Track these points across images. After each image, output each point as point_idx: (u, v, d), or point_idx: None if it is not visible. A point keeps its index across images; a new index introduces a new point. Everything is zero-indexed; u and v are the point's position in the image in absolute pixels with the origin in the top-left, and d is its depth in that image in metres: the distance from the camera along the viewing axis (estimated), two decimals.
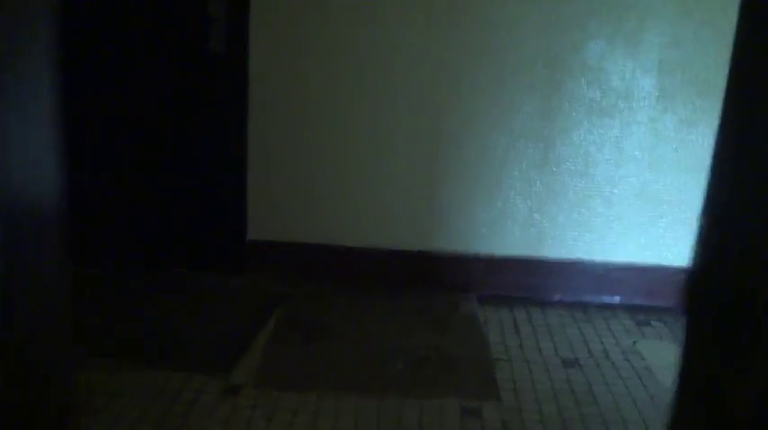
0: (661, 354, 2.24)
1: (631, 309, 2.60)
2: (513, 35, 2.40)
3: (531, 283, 2.61)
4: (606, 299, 2.62)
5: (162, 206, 2.65)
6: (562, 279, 2.61)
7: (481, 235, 2.58)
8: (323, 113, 2.51)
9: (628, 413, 1.92)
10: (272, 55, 2.47)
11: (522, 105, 2.46)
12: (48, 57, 0.79)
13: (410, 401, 1.88)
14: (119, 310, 2.31)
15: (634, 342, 2.34)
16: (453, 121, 2.48)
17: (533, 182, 2.53)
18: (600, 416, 1.89)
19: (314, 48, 2.46)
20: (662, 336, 2.41)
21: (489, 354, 2.17)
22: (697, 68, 2.41)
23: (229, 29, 2.47)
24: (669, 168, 2.49)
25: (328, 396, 1.88)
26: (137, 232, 2.66)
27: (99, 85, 2.54)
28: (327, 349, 2.13)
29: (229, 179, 2.61)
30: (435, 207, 2.56)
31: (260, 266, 2.63)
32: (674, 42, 2.39)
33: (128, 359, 1.99)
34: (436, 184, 2.54)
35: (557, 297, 2.62)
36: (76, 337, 0.98)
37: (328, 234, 2.60)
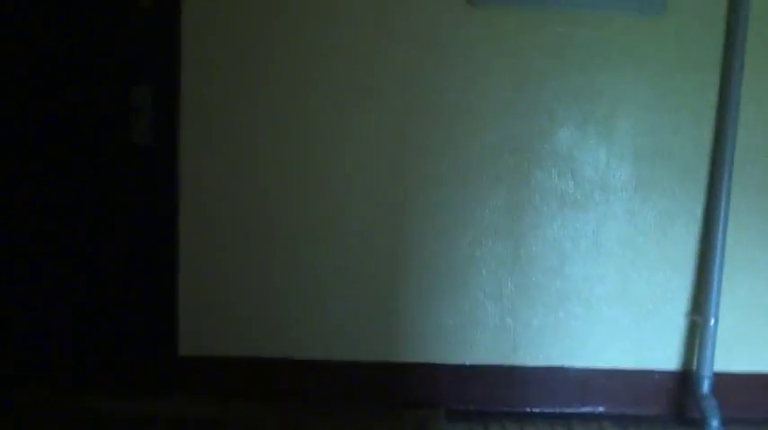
0: None
1: (619, 420, 2.31)
2: (476, 121, 2.17)
3: (506, 395, 2.31)
4: (590, 409, 2.32)
5: (75, 317, 2.29)
6: (540, 389, 2.31)
7: (448, 343, 2.27)
8: (265, 212, 2.21)
9: None
10: (206, 149, 2.18)
11: (488, 198, 2.20)
12: None
13: None
14: None
15: None
16: (414, 217, 2.21)
17: (504, 283, 2.25)
18: None
19: (252, 141, 2.18)
20: None
21: None
22: (675, 155, 2.20)
23: (156, 119, 2.18)
24: (651, 264, 2.25)
25: None
26: (42, 348, 2.29)
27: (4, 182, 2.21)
28: None
29: (157, 286, 2.27)
30: (395, 313, 2.26)
31: (193, 386, 2.27)
32: (650, 128, 2.18)
33: None
34: (395, 287, 2.24)
35: (535, 409, 2.31)
36: None
37: (273, 346, 2.27)
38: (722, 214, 2.17)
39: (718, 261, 2.19)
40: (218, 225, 2.20)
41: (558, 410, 2.31)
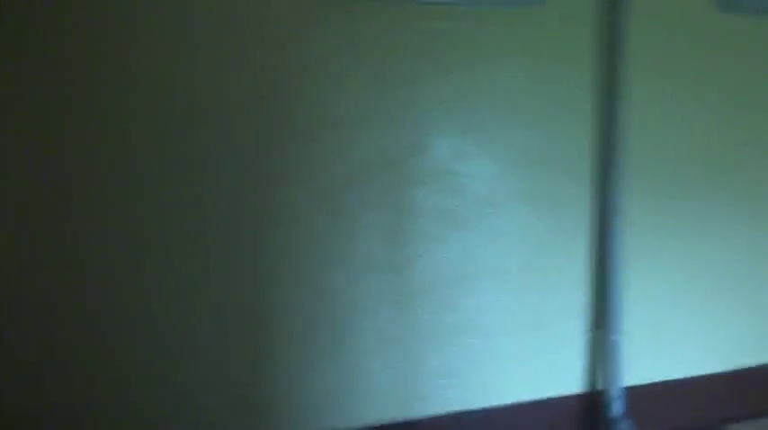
0: None
1: None
2: (342, 136, 1.80)
3: None
4: None
5: None
6: None
7: (332, 408, 1.89)
8: (77, 274, 1.69)
9: None
10: None
11: (363, 226, 1.85)
12: None
13: None
14: None
15: None
16: (271, 258, 1.80)
17: (391, 324, 1.91)
18: None
19: (54, 180, 1.65)
20: None
21: None
22: (563, 160, 1.98)
23: None
24: (548, 282, 2.01)
25: None
26: None
27: None
28: None
29: None
30: (256, 378, 1.83)
31: None
32: (536, 133, 1.94)
33: None
34: (256, 345, 1.82)
35: None
36: None
37: None
38: (615, 221, 1.98)
39: (615, 270, 2.00)
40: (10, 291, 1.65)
41: None
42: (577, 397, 2.10)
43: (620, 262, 2.00)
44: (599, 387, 2.09)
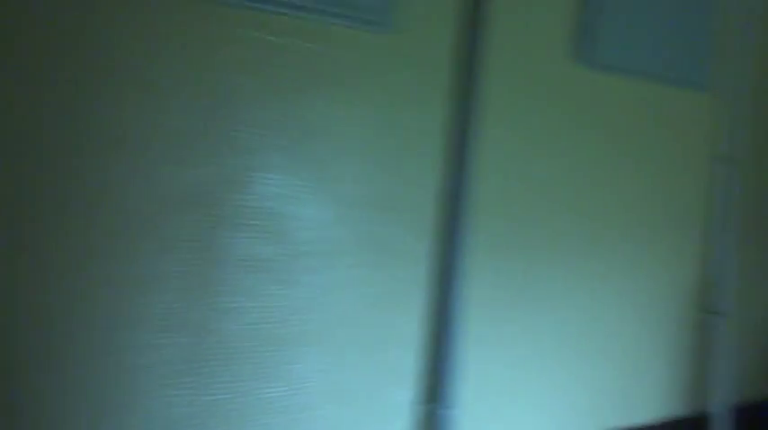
0: None
1: None
2: (139, 164, 1.40)
3: None
4: None
5: None
6: None
7: None
8: None
9: None
10: None
11: (158, 277, 1.46)
12: None
13: None
14: None
15: None
16: (34, 307, 1.35)
17: (186, 401, 1.53)
18: None
19: None
20: None
21: None
22: (405, 208, 1.74)
23: None
24: (379, 346, 1.76)
25: None
26: None
27: None
28: None
29: None
30: None
31: None
32: (376, 175, 1.68)
33: None
34: None
35: None
36: None
37: None
38: (456, 280, 1.78)
39: (453, 335, 1.79)
40: None
41: None
42: None
43: (458, 326, 1.80)
44: None
